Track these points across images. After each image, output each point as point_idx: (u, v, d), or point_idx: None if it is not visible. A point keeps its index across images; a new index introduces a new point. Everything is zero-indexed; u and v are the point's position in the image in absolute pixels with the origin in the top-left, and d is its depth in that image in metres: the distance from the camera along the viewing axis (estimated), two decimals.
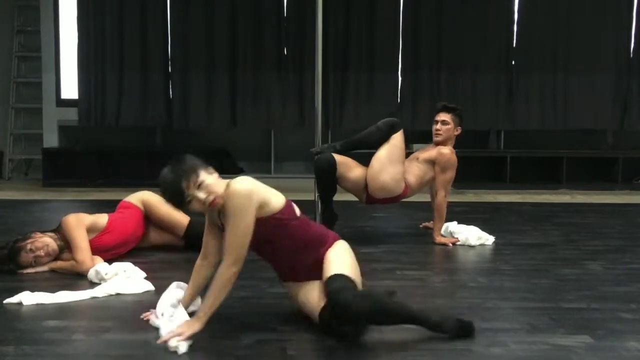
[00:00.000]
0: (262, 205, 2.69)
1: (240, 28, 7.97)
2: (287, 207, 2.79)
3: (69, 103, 8.18)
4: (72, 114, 8.14)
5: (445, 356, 2.56)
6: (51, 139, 8.19)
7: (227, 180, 2.72)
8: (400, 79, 8.12)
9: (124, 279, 3.51)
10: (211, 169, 2.72)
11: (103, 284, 3.46)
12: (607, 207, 6.58)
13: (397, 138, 4.49)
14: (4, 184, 8.10)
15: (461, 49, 8.01)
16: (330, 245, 2.86)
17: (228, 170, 8.34)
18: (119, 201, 4.37)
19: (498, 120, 8.19)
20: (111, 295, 3.34)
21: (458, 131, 4.81)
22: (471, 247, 4.59)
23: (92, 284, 3.51)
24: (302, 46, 7.91)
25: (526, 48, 8.09)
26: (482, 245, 4.64)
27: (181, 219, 4.24)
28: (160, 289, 3.01)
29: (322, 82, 5.16)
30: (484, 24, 8.02)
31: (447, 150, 4.69)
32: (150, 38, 7.99)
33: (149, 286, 3.43)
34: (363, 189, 4.59)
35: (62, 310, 3.11)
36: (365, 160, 4.61)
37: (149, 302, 3.09)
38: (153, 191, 4.41)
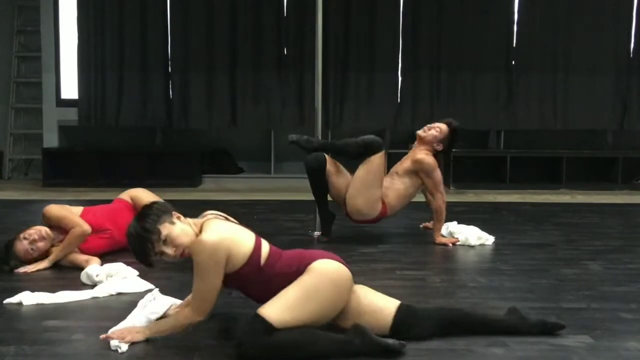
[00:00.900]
0: (230, 258, 2.58)
1: (240, 28, 7.97)
2: (256, 249, 2.66)
3: (69, 103, 8.18)
4: (72, 114, 8.14)
5: (445, 356, 2.56)
6: (51, 139, 8.19)
7: (199, 223, 2.66)
8: (400, 79, 8.12)
9: (121, 279, 3.52)
10: (176, 216, 2.64)
11: (104, 284, 3.46)
12: (607, 207, 6.57)
13: (376, 161, 4.43)
14: (4, 184, 8.10)
15: (461, 49, 8.01)
16: (302, 272, 2.62)
17: (228, 170, 8.36)
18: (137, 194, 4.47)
19: (498, 120, 8.19)
20: (112, 295, 3.35)
21: (440, 147, 4.74)
22: (471, 247, 4.59)
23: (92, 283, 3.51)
24: (302, 46, 7.91)
25: (526, 48, 8.08)
26: (482, 245, 4.64)
27: None
28: (160, 289, 3.00)
29: (322, 82, 5.15)
30: (484, 24, 8.02)
31: (421, 155, 4.63)
32: (150, 38, 7.99)
33: (149, 285, 3.43)
34: (343, 202, 4.58)
35: (62, 310, 3.11)
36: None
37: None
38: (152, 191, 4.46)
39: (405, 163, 4.69)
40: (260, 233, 2.77)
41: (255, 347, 2.43)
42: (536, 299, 3.32)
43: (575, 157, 8.09)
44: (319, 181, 4.55)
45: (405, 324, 2.67)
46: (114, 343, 2.59)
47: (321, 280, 2.58)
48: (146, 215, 2.61)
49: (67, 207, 4.11)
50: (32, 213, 5.78)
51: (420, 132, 4.77)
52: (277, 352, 2.44)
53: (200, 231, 2.63)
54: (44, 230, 3.89)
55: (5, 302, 3.17)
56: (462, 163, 7.81)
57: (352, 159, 4.51)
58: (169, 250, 2.59)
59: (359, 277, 2.85)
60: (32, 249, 3.84)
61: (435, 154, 4.71)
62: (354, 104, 8.09)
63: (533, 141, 8.38)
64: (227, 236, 2.61)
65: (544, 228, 5.35)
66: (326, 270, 2.61)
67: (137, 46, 7.98)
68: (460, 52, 8.02)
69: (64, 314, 3.06)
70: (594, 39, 8.01)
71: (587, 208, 6.51)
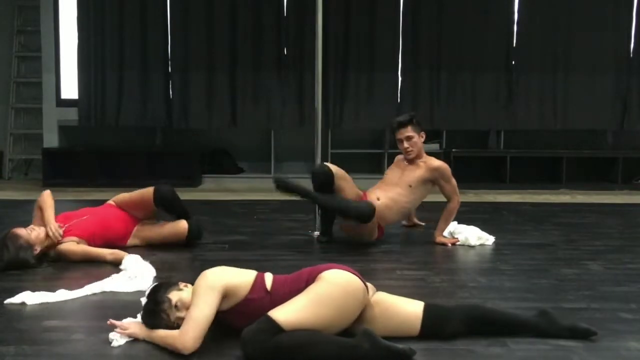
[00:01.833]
0: (231, 289, 2.61)
1: (240, 28, 7.97)
2: (259, 277, 2.69)
3: (69, 103, 8.18)
4: (72, 114, 8.14)
5: (445, 356, 2.56)
6: (51, 139, 8.19)
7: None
8: (400, 79, 8.13)
9: (130, 277, 3.56)
10: (183, 285, 2.70)
11: (107, 282, 3.49)
12: (607, 207, 6.57)
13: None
14: (4, 184, 8.10)
15: (461, 49, 8.01)
16: (312, 283, 2.61)
17: (228, 170, 8.35)
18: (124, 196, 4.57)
19: (498, 120, 8.20)
20: (114, 292, 3.38)
21: (423, 137, 4.70)
22: (471, 247, 4.59)
23: (91, 281, 3.51)
24: (302, 46, 7.92)
25: (526, 48, 8.09)
26: (482, 245, 4.64)
27: (146, 190, 4.42)
28: None
29: (322, 82, 5.16)
30: (484, 24, 8.02)
31: (437, 162, 4.63)
32: (150, 38, 7.99)
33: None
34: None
35: (62, 310, 3.11)
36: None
37: None
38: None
39: (416, 173, 4.60)
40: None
41: (260, 347, 2.42)
42: (536, 299, 3.32)
43: (575, 157, 8.09)
44: (326, 192, 4.45)
45: (435, 325, 2.68)
46: (112, 335, 2.65)
47: (332, 288, 2.56)
48: (155, 291, 2.68)
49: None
50: (32, 213, 5.78)
51: (402, 158, 4.71)
52: (282, 353, 2.42)
53: None
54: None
55: (6, 302, 3.17)
56: (462, 163, 7.81)
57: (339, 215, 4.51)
58: (182, 314, 2.60)
59: None
60: (32, 229, 3.94)
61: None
62: (354, 104, 8.09)
63: (533, 141, 8.39)
64: (227, 268, 2.70)
65: (544, 228, 5.35)
66: (337, 279, 2.59)
67: (137, 46, 7.99)
68: (460, 52, 8.02)
69: (64, 314, 3.06)
70: (594, 39, 8.02)
71: (587, 208, 6.52)
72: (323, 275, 2.61)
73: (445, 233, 4.81)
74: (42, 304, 3.17)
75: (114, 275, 3.62)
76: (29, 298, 3.20)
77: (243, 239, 4.78)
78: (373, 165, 8.38)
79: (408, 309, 2.73)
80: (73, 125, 8.23)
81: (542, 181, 8.15)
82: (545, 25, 8.05)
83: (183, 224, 4.40)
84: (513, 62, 8.14)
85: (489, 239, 4.70)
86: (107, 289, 3.41)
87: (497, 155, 8.20)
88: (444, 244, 4.63)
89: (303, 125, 8.01)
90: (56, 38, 8.19)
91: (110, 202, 4.52)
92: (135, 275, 3.59)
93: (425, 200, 4.77)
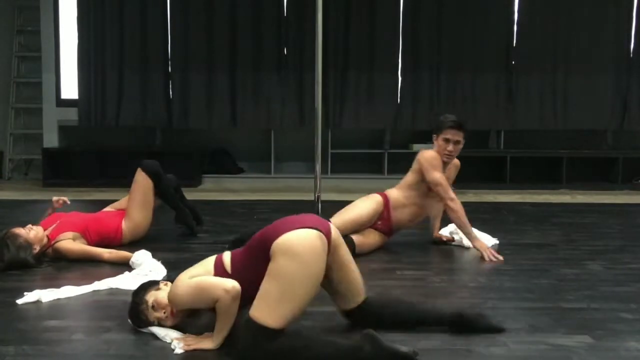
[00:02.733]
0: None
1: (240, 28, 7.97)
2: (218, 266, 2.64)
3: (69, 103, 8.19)
4: (72, 114, 8.14)
5: (445, 356, 2.56)
6: (51, 139, 8.19)
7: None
8: (400, 79, 8.13)
9: (145, 274, 3.58)
10: (163, 283, 2.77)
11: (120, 279, 3.51)
12: (607, 207, 6.57)
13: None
14: (4, 184, 8.10)
15: (461, 49, 8.01)
16: (268, 259, 2.48)
17: (228, 170, 8.35)
18: (118, 201, 4.59)
19: (498, 120, 8.20)
20: (114, 292, 3.38)
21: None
22: (465, 248, 4.55)
23: (91, 281, 3.50)
24: (302, 46, 7.92)
25: (526, 48, 8.09)
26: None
27: (135, 178, 4.48)
28: None
29: (322, 82, 5.15)
30: (484, 24, 8.02)
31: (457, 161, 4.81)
32: (150, 38, 7.99)
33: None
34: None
35: (62, 310, 3.11)
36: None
37: None
38: None
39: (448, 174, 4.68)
40: None
41: (262, 356, 2.39)
42: (536, 299, 3.32)
43: (575, 157, 8.09)
44: None
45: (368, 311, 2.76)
46: (175, 344, 2.59)
47: (294, 263, 2.41)
48: (136, 293, 2.76)
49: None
50: (32, 213, 5.78)
51: (448, 160, 4.61)
52: (284, 358, 2.39)
53: None
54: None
55: (19, 302, 3.16)
56: (462, 163, 7.78)
57: None
58: (161, 314, 2.69)
59: None
60: (30, 228, 3.93)
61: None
62: (354, 104, 8.09)
63: (533, 141, 8.39)
64: (189, 270, 2.66)
65: (544, 228, 5.35)
66: (293, 248, 2.43)
67: (137, 46, 7.99)
68: (460, 52, 8.02)
69: (64, 314, 3.06)
70: (594, 39, 8.02)
71: (587, 208, 6.52)
72: (277, 250, 2.44)
73: (446, 232, 4.81)
74: (42, 303, 3.17)
75: (127, 273, 3.64)
76: (44, 295, 3.20)
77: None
78: (373, 165, 8.39)
79: (360, 281, 2.78)
80: (73, 126, 8.23)
81: (542, 181, 8.15)
82: (545, 25, 8.05)
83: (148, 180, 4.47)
84: (513, 62, 8.14)
85: (489, 241, 4.64)
86: (122, 287, 3.41)
87: (497, 155, 8.20)
88: (439, 239, 4.66)
89: (303, 125, 8.02)
90: (56, 38, 8.19)
91: (106, 209, 4.57)
92: (150, 270, 3.61)
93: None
